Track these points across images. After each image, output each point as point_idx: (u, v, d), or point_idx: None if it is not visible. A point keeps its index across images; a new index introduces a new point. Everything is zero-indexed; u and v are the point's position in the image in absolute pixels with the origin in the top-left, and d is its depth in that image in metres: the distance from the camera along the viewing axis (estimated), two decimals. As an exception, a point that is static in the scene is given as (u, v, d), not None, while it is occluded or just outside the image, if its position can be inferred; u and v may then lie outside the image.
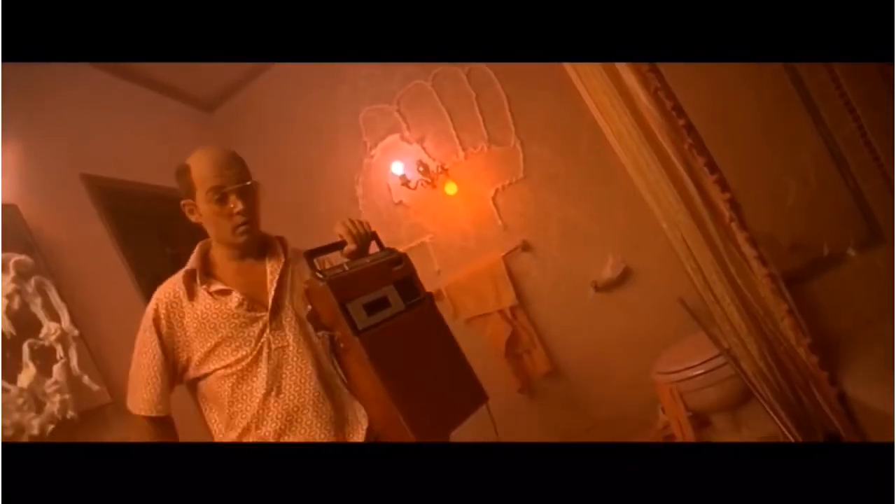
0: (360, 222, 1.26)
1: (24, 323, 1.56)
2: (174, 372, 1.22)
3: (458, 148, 2.70)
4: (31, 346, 1.55)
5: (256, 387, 1.18)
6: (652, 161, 1.39)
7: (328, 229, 2.90)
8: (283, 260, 1.27)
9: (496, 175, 2.68)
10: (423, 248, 2.75)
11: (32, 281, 1.62)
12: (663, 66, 1.34)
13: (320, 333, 1.12)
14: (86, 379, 1.65)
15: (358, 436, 1.22)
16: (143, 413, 1.22)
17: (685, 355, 2.26)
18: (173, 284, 1.22)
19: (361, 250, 1.24)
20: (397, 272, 1.23)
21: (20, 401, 1.46)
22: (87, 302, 1.76)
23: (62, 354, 1.62)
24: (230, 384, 1.19)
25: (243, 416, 1.19)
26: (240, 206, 1.18)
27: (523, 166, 2.65)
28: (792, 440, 1.55)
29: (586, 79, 1.41)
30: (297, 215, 2.80)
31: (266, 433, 1.18)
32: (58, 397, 1.55)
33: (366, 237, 1.25)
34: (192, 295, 1.20)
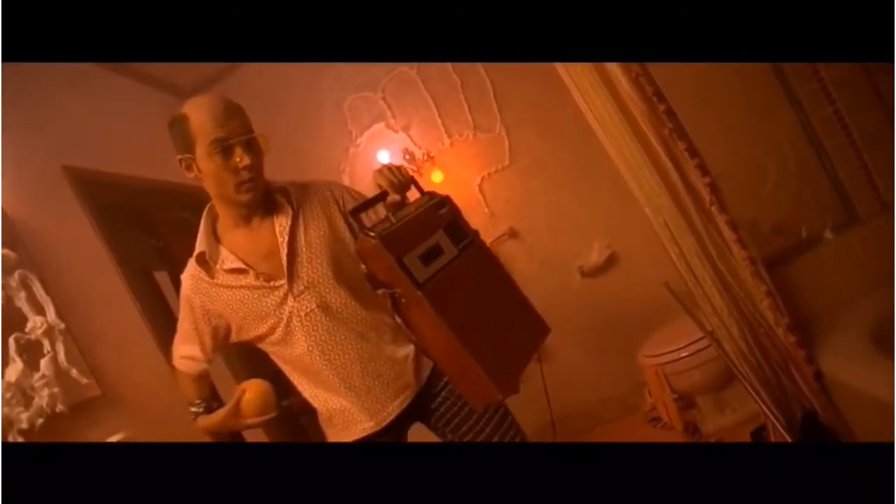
0: (399, 168, 1.17)
1: (10, 317, 1.55)
2: (214, 337, 1.23)
3: (444, 136, 2.70)
4: (17, 341, 1.54)
5: (301, 353, 1.18)
6: (634, 147, 1.42)
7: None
8: (290, 213, 1.17)
9: (482, 162, 2.69)
10: (410, 236, 2.76)
11: (16, 275, 1.61)
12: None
13: (380, 292, 1.06)
14: (74, 372, 1.64)
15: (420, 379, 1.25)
16: (182, 369, 1.27)
17: (670, 338, 2.30)
18: (192, 266, 1.19)
19: (404, 199, 1.17)
20: (444, 216, 1.17)
21: (8, 395, 1.46)
22: (72, 295, 1.75)
23: (49, 348, 1.61)
24: (277, 351, 1.22)
25: (309, 378, 1.23)
26: (246, 161, 1.08)
27: (509, 153, 2.66)
28: (772, 419, 1.59)
29: (569, 66, 1.42)
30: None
31: (330, 395, 1.22)
32: (46, 391, 1.55)
33: (406, 185, 1.16)
34: (211, 274, 1.17)
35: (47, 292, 1.65)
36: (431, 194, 1.21)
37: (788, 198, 1.83)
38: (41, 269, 1.68)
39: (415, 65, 2.70)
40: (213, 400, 1.28)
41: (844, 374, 1.37)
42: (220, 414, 1.20)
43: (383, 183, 1.15)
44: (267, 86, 2.83)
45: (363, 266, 1.07)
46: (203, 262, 1.16)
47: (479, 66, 2.63)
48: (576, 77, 1.41)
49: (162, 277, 2.20)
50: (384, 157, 2.68)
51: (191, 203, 2.54)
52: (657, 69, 1.30)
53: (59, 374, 1.59)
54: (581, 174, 2.59)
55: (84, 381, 1.64)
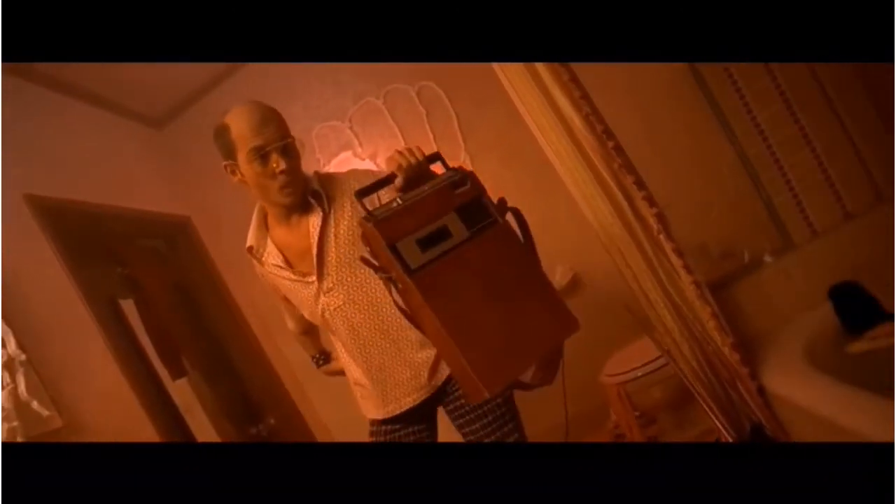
0: (412, 150, 1.16)
1: (-31, 349, 1.53)
2: (290, 304, 1.43)
3: (411, 164, 2.77)
4: (-24, 373, 1.52)
5: (340, 337, 1.32)
6: (588, 178, 1.51)
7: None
8: (320, 214, 1.23)
9: (448, 189, 2.77)
10: (378, 261, 2.81)
11: (-25, 306, 1.59)
12: (595, 93, 1.47)
13: (379, 275, 1.05)
14: (35, 404, 1.62)
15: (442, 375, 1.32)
16: (292, 331, 1.55)
17: (631, 358, 2.39)
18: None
19: (414, 180, 1.12)
20: (460, 195, 1.10)
21: (-34, 429, 1.43)
22: (34, 324, 1.73)
23: (9, 380, 1.59)
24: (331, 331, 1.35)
25: (347, 350, 1.34)
26: (283, 165, 1.15)
27: (473, 180, 2.75)
28: (724, 432, 1.69)
29: (527, 104, 1.52)
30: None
31: (358, 371, 1.35)
32: (5, 425, 1.52)
33: (416, 166, 1.13)
34: (261, 263, 1.32)
35: (7, 323, 1.63)
36: (453, 172, 1.14)
37: (731, 225, 1.97)
38: (2, 300, 1.66)
39: (381, 95, 2.79)
40: (324, 352, 1.56)
41: (782, 388, 1.48)
42: (333, 367, 1.50)
43: (392, 166, 1.15)
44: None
45: (367, 248, 1.06)
46: (251, 253, 1.32)
47: (444, 97, 2.73)
48: (533, 114, 1.51)
49: (128, 305, 2.18)
50: (352, 184, 2.74)
51: (161, 231, 2.55)
52: (605, 109, 1.41)
53: (20, 407, 1.57)
54: (542, 201, 2.69)
55: (45, 413, 1.62)
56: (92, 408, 1.75)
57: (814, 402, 1.32)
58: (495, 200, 1.14)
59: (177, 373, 2.12)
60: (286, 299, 1.42)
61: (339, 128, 2.84)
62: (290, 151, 1.18)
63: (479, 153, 2.74)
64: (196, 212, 2.78)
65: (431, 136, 2.76)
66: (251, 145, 1.15)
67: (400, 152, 1.15)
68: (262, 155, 1.15)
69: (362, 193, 1.09)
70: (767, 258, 1.88)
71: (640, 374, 2.33)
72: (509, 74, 1.51)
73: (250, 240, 1.31)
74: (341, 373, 1.47)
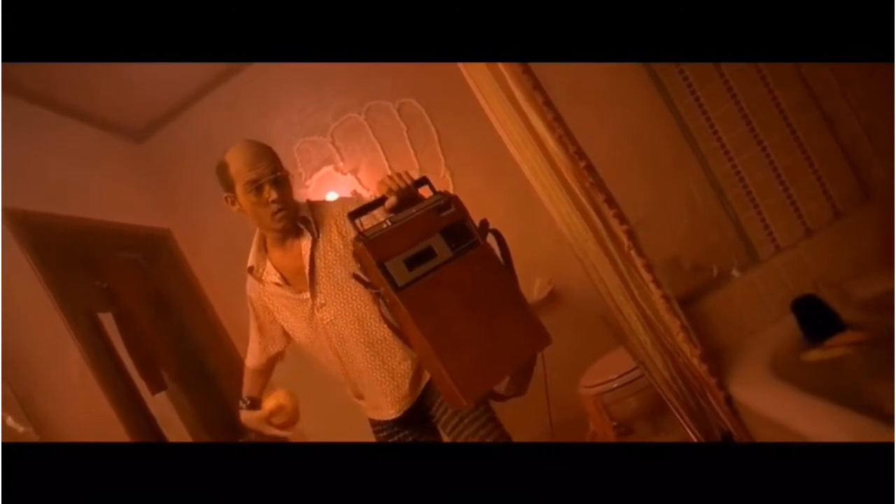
0: (400, 175, 1.25)
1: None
2: (273, 337, 1.52)
3: (391, 178, 2.82)
4: (-50, 389, 1.51)
5: (330, 360, 1.42)
6: (563, 196, 1.57)
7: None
8: (311, 238, 1.36)
9: (428, 204, 2.81)
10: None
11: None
12: (567, 112, 1.53)
13: (369, 291, 1.12)
14: (10, 420, 1.61)
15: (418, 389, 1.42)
16: (246, 363, 1.57)
17: (607, 369, 2.44)
18: (249, 278, 1.46)
19: (404, 203, 1.21)
20: (445, 218, 1.19)
21: (-60, 445, 1.42)
22: (10, 340, 1.72)
23: (-16, 396, 1.58)
24: (315, 355, 1.44)
25: (345, 381, 1.44)
26: (274, 195, 1.29)
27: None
28: (696, 440, 1.75)
29: (504, 125, 1.57)
30: (233, 244, 2.82)
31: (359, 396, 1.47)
32: (-20, 441, 1.51)
33: (406, 190, 1.21)
34: (262, 283, 1.42)
35: (-16, 337, 1.62)
36: (439, 196, 1.22)
37: (701, 240, 2.05)
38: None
39: (363, 111, 2.83)
40: (258, 402, 1.54)
41: (748, 397, 1.54)
42: (252, 415, 1.48)
43: (383, 189, 1.23)
44: (216, 128, 2.89)
45: (358, 265, 1.14)
46: (252, 273, 1.43)
47: (425, 114, 2.79)
48: (510, 134, 1.57)
49: (107, 319, 2.17)
50: (333, 198, 2.77)
51: (140, 244, 2.55)
52: (579, 129, 1.48)
53: (-5, 422, 1.56)
54: (521, 216, 2.75)
55: (21, 429, 1.61)
56: (69, 422, 1.74)
57: (774, 409, 1.38)
58: (478, 221, 1.23)
59: (156, 386, 2.11)
60: (260, 330, 1.52)
61: (320, 143, 2.87)
62: (281, 183, 1.31)
63: (458, 169, 2.80)
64: (176, 225, 2.79)
65: (412, 152, 2.81)
66: (246, 179, 1.28)
67: (390, 177, 1.23)
68: (256, 187, 1.28)
69: (354, 215, 1.16)
70: (735, 272, 1.96)
71: (616, 384, 2.38)
72: (487, 96, 1.57)
73: (251, 261, 1.42)
74: (261, 424, 1.49)
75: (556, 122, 1.42)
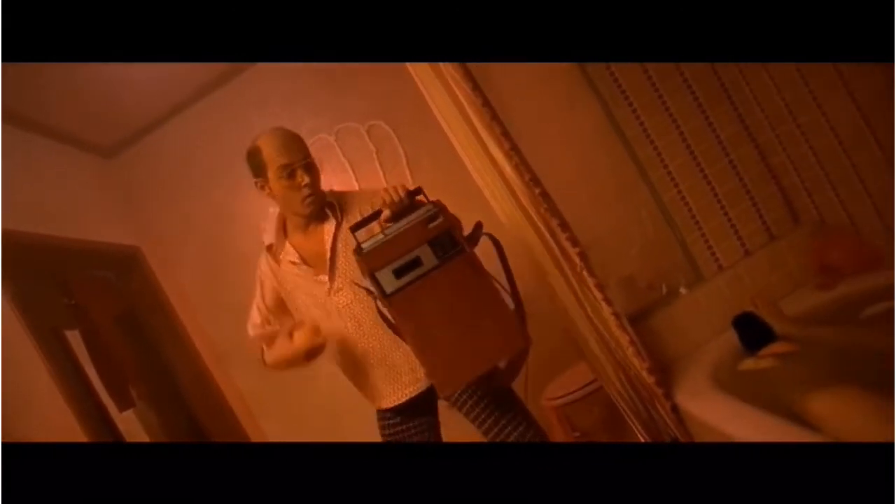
0: (395, 188, 1.32)
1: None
2: (276, 316, 1.54)
3: (361, 198, 2.89)
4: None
5: (341, 343, 1.45)
6: (521, 219, 1.69)
7: (234, 273, 2.95)
8: (335, 223, 1.41)
9: (397, 223, 2.89)
10: (329, 291, 2.90)
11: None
12: (524, 144, 1.65)
13: (369, 294, 1.26)
14: (-25, 438, 1.61)
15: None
16: (250, 334, 1.58)
17: (570, 381, 2.54)
18: (264, 256, 1.50)
19: (399, 214, 1.29)
20: (433, 229, 1.28)
21: None
22: (-24, 357, 1.72)
23: (-50, 414, 1.57)
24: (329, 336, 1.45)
25: (348, 364, 1.47)
26: (307, 180, 1.35)
27: (420, 215, 2.89)
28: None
29: (466, 151, 1.69)
30: (205, 258, 2.85)
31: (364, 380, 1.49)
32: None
33: (399, 203, 1.30)
34: (277, 261, 1.45)
35: (-50, 355, 1.62)
36: (429, 207, 1.32)
37: (651, 260, 2.19)
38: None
39: (333, 132, 2.91)
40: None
41: (691, 406, 1.67)
42: (277, 346, 1.44)
43: (379, 203, 1.32)
44: (190, 144, 2.92)
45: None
46: (271, 251, 1.47)
47: (393, 136, 2.88)
48: (473, 162, 1.68)
49: (74, 336, 2.18)
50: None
51: (110, 261, 2.56)
52: (534, 159, 1.60)
53: (-38, 441, 1.56)
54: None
55: (-13, 446, 1.61)
56: (36, 440, 1.74)
57: (712, 416, 1.51)
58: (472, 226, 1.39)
59: (124, 404, 2.12)
60: (263, 306, 1.55)
61: (291, 162, 2.94)
62: (311, 169, 1.39)
63: (425, 190, 2.89)
64: (146, 242, 2.80)
65: (381, 173, 2.90)
66: (279, 163, 1.34)
67: (385, 190, 1.32)
68: (289, 172, 1.35)
69: (355, 227, 1.31)
70: (682, 290, 2.10)
71: (577, 396, 2.49)
72: (450, 125, 1.68)
73: (269, 239, 1.48)
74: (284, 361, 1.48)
75: (513, 150, 1.53)
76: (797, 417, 1.23)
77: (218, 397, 2.57)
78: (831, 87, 1.62)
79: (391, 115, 2.87)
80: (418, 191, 1.37)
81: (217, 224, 2.95)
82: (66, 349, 2.12)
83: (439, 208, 1.32)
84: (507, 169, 1.55)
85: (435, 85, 1.79)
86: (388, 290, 1.23)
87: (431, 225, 1.29)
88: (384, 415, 1.54)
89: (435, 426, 1.59)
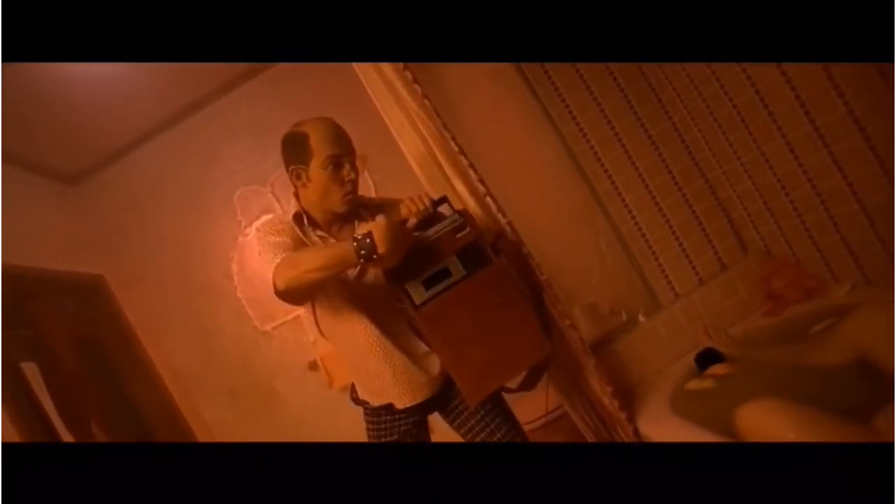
0: (420, 198, 1.30)
1: None
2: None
3: (330, 227, 2.92)
4: None
5: (359, 330, 1.35)
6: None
7: (201, 303, 2.92)
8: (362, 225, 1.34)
9: (365, 251, 2.93)
10: (297, 320, 2.88)
11: None
12: (487, 177, 1.72)
13: (398, 304, 1.25)
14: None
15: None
16: (281, 286, 1.21)
17: (537, 406, 2.60)
18: (282, 222, 1.33)
19: (424, 223, 1.27)
20: (461, 239, 1.26)
21: None
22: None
23: None
24: (344, 326, 1.37)
25: (356, 364, 1.40)
26: (353, 175, 1.29)
27: (389, 243, 2.93)
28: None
29: (431, 184, 1.75)
30: (172, 289, 2.82)
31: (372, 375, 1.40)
32: None
33: (424, 211, 1.28)
34: (304, 232, 1.32)
35: None
36: (455, 217, 1.29)
37: (612, 289, 2.29)
38: None
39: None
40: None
41: (650, 429, 1.73)
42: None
43: (405, 212, 1.30)
44: (157, 173, 2.91)
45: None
46: (297, 219, 1.33)
47: (361, 167, 2.94)
48: (437, 192, 1.75)
49: (31, 369, 2.11)
50: (273, 245, 2.83)
51: (71, 290, 2.50)
52: (497, 193, 1.67)
53: None
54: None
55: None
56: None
57: (666, 438, 1.58)
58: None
59: (84, 439, 2.06)
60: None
61: (260, 192, 2.95)
62: (356, 166, 1.33)
63: (395, 218, 2.94)
64: (110, 270, 2.75)
65: (351, 202, 2.94)
66: (329, 152, 1.27)
67: (411, 199, 1.30)
68: (337, 163, 1.28)
69: None
70: (641, 317, 2.20)
71: (542, 423, 2.54)
72: (418, 160, 1.75)
73: (297, 208, 1.35)
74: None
75: (480, 182, 1.61)
76: (730, 433, 1.30)
77: (184, 429, 2.51)
78: (766, 131, 1.77)
79: (359, 144, 2.91)
80: (443, 200, 1.35)
81: (183, 253, 2.93)
82: (21, 382, 2.06)
83: (466, 218, 1.29)
84: (471, 202, 1.62)
85: (400, 119, 1.87)
86: (418, 301, 1.23)
87: (459, 235, 1.27)
88: (378, 412, 1.47)
89: (425, 425, 1.57)
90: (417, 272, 1.24)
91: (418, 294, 1.23)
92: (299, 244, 1.31)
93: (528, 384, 1.52)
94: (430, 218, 1.30)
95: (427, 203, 1.29)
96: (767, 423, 1.16)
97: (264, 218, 2.86)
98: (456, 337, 1.25)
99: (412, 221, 1.27)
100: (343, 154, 1.29)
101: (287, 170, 1.34)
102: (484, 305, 1.27)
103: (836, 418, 1.12)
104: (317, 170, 1.28)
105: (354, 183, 1.31)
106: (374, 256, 1.11)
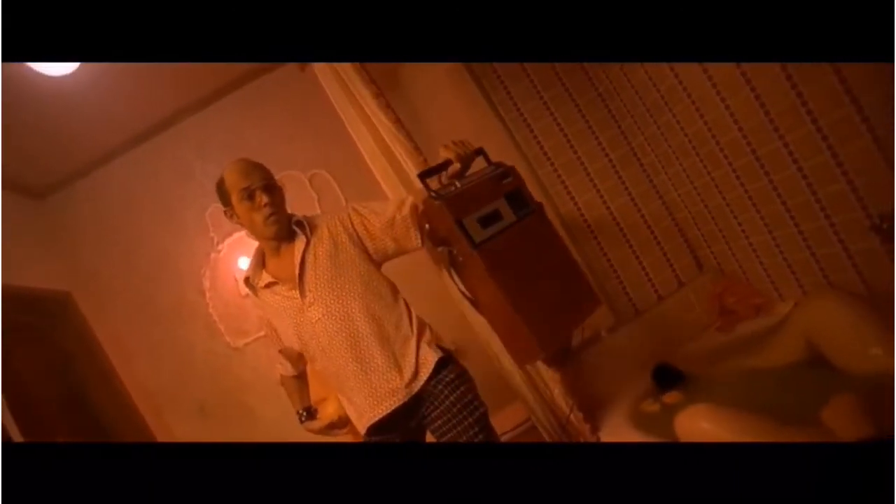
0: (462, 142, 1.30)
1: None
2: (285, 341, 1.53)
3: (303, 243, 2.95)
4: None
5: (320, 361, 1.43)
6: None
7: (172, 320, 2.90)
8: (304, 240, 1.41)
9: (339, 267, 2.96)
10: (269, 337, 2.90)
11: None
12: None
13: (440, 249, 1.19)
14: None
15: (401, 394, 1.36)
16: (280, 372, 1.65)
17: (505, 421, 2.65)
18: (244, 288, 1.51)
19: (466, 168, 1.27)
20: (506, 185, 1.26)
21: None
22: None
23: None
24: (310, 357, 1.47)
25: (335, 386, 1.46)
26: (265, 199, 1.37)
27: (361, 259, 2.97)
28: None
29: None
30: (143, 305, 2.80)
31: (346, 399, 1.47)
32: None
33: (469, 157, 1.28)
34: (255, 292, 1.47)
35: None
36: (497, 165, 1.30)
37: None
38: None
39: (276, 179, 2.97)
40: (313, 410, 1.64)
41: (611, 441, 1.81)
42: (313, 425, 1.58)
43: (449, 154, 1.29)
44: (128, 189, 2.90)
45: (427, 224, 1.21)
46: (248, 284, 1.48)
47: (333, 183, 2.97)
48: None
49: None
50: (245, 263, 2.84)
51: (37, 307, 2.47)
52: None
53: None
54: (426, 279, 2.96)
55: None
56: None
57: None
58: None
59: (49, 458, 2.03)
60: (274, 338, 1.56)
61: (233, 208, 2.97)
62: (272, 190, 1.41)
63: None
64: (78, 287, 2.72)
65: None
66: (240, 187, 1.38)
67: (455, 143, 1.31)
68: (248, 194, 1.38)
69: (425, 174, 1.25)
70: (604, 333, 2.29)
71: (511, 437, 2.61)
72: (382, 175, 1.83)
73: (248, 272, 1.49)
74: (324, 431, 1.60)
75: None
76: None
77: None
78: (715, 160, 1.89)
79: (332, 164, 2.96)
80: (481, 150, 1.33)
81: (155, 269, 2.92)
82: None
83: (508, 167, 1.29)
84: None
85: (366, 139, 1.95)
86: (478, 239, 1.17)
87: (504, 182, 1.26)
88: (368, 439, 1.47)
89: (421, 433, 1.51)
90: (472, 210, 1.19)
91: (476, 232, 1.18)
92: (262, 312, 1.52)
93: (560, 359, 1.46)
94: (470, 166, 1.27)
95: (470, 148, 1.30)
96: (698, 427, 1.23)
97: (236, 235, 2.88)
98: (518, 281, 1.17)
99: (456, 166, 1.26)
100: (251, 184, 1.38)
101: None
102: (538, 253, 1.23)
103: (766, 419, 1.18)
104: (238, 205, 1.40)
105: (271, 205, 1.39)
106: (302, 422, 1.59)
